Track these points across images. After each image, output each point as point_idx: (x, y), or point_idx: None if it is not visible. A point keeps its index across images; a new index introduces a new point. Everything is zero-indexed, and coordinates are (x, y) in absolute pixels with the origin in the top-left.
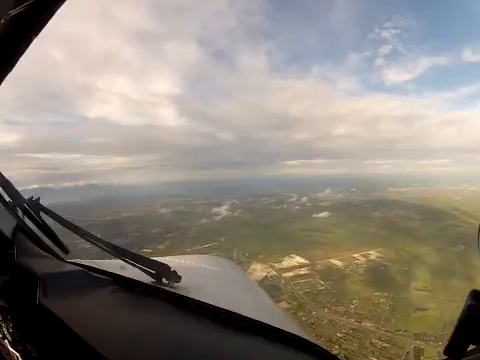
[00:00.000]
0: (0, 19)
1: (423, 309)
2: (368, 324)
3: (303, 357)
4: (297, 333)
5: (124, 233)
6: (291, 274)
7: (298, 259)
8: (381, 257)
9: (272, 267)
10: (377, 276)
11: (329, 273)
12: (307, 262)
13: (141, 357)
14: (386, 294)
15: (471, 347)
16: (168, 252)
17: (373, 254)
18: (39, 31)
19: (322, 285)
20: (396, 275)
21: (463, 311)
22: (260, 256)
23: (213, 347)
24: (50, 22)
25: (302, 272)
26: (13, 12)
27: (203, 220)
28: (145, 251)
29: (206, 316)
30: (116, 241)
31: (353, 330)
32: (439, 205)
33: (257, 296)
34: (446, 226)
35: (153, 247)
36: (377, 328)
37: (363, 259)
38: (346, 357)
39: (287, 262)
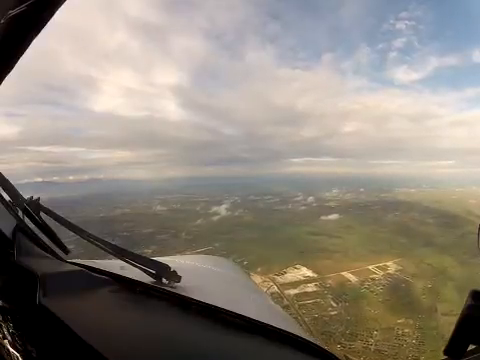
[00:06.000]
0: (0, 19)
1: None
2: None
3: (303, 357)
4: (297, 333)
5: (113, 233)
6: (296, 291)
7: (304, 271)
8: (400, 270)
9: (273, 281)
10: (399, 296)
11: (342, 291)
12: (315, 276)
13: (141, 357)
14: (411, 321)
15: (471, 347)
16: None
17: (391, 266)
18: (39, 31)
19: (334, 308)
20: (420, 295)
21: (463, 311)
22: (259, 269)
23: (213, 347)
24: (50, 21)
25: (309, 289)
26: (13, 12)
27: (199, 221)
28: None
29: (206, 316)
30: None
31: None
32: (453, 209)
33: (257, 296)
34: (464, 233)
35: (140, 251)
36: None
37: (380, 273)
38: (347, 358)
39: (291, 275)
